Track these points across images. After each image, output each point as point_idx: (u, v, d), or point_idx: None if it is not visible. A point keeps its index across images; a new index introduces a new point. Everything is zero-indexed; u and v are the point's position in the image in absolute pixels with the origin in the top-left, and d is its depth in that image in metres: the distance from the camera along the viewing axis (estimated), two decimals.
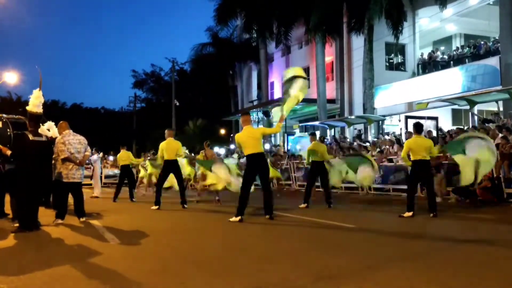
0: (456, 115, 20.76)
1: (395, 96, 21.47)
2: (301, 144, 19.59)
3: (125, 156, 13.35)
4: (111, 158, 24.02)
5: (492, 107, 16.47)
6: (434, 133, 15.91)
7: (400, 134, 18.09)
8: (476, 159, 7.77)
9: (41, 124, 7.37)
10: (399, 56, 24.60)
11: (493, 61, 17.50)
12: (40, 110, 7.02)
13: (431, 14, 21.62)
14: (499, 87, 15.79)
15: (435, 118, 19.18)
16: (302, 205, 9.87)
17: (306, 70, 28.19)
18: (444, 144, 10.85)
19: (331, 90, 24.86)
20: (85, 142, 7.87)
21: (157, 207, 9.81)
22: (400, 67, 24.48)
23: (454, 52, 21.87)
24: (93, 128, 41.14)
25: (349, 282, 3.65)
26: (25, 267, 4.25)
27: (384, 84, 21.92)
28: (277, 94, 30.73)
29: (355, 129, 21.81)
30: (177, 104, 36.89)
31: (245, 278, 3.82)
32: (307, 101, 25.77)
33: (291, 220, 7.81)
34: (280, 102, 9.49)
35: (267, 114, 27.19)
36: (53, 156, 7.60)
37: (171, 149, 10.19)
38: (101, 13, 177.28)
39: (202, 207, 10.51)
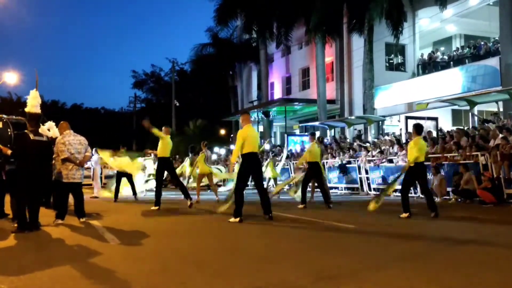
0: (456, 116, 20.75)
1: (395, 96, 21.47)
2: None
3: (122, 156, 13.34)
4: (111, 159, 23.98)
5: (492, 107, 16.48)
6: (434, 134, 15.91)
7: (400, 135, 18.08)
8: None
9: (41, 124, 7.38)
10: (399, 57, 24.61)
11: (493, 62, 17.50)
12: (38, 110, 7.04)
13: (431, 15, 21.63)
14: (499, 88, 15.80)
15: (435, 119, 19.18)
16: (301, 206, 9.90)
17: (306, 70, 28.24)
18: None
19: (331, 91, 24.86)
20: (86, 143, 7.88)
21: (157, 207, 9.81)
22: (400, 67, 24.49)
23: (454, 53, 21.88)
24: (93, 128, 41.14)
25: (349, 283, 3.65)
26: (25, 267, 4.25)
27: (384, 84, 21.93)
28: (277, 94, 30.76)
29: (355, 129, 21.81)
30: (177, 104, 36.94)
31: (245, 278, 3.82)
32: (307, 101, 25.84)
33: (291, 220, 7.81)
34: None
35: (267, 114, 27.21)
36: (53, 156, 7.60)
37: (169, 147, 10.23)
38: (101, 14, 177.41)
39: (202, 207, 10.51)
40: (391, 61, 24.52)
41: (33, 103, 6.99)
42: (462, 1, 20.07)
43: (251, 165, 7.67)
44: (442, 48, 24.16)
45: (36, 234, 6.34)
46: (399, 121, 21.11)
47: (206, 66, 34.29)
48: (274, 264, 4.32)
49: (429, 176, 11.82)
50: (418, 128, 8.34)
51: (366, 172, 14.49)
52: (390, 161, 13.81)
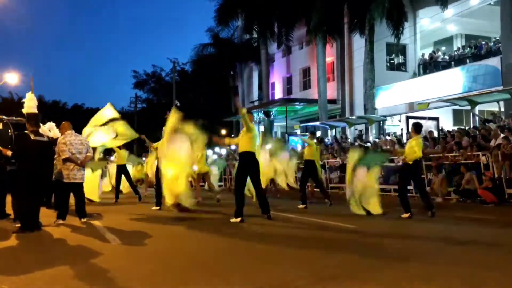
0: (457, 116, 20.73)
1: (396, 96, 21.46)
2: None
3: (123, 155, 13.35)
4: (112, 158, 24.04)
5: (493, 107, 16.46)
6: (435, 134, 15.90)
7: (401, 135, 18.08)
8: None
9: (41, 124, 7.40)
10: (400, 57, 24.60)
11: (494, 62, 17.48)
12: (35, 110, 7.11)
13: (432, 15, 21.61)
14: (500, 88, 15.79)
15: (436, 119, 19.17)
16: (301, 206, 9.90)
17: (307, 70, 28.23)
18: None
19: (332, 91, 24.86)
20: (87, 143, 7.89)
21: (158, 207, 9.81)
22: (401, 67, 24.48)
23: (455, 53, 21.87)
24: None
25: (350, 283, 3.65)
26: (26, 267, 4.26)
27: (385, 84, 21.92)
28: (278, 94, 30.75)
29: (356, 129, 21.80)
30: (178, 104, 36.87)
31: (246, 278, 3.83)
32: (308, 101, 25.84)
33: (291, 220, 7.81)
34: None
35: (268, 114, 27.22)
36: (55, 156, 7.62)
37: None
38: (102, 14, 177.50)
39: (202, 208, 10.51)
40: (392, 61, 24.51)
41: (30, 104, 7.10)
42: (463, 1, 20.05)
43: (248, 165, 7.66)
44: (443, 48, 24.14)
45: (37, 234, 6.35)
46: (400, 121, 21.10)
47: (207, 66, 34.29)
48: (275, 265, 4.32)
49: (430, 176, 11.82)
50: (417, 127, 8.38)
51: None
52: (391, 161, 13.79)
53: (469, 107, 15.79)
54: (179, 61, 56.24)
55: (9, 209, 7.91)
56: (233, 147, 18.02)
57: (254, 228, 6.93)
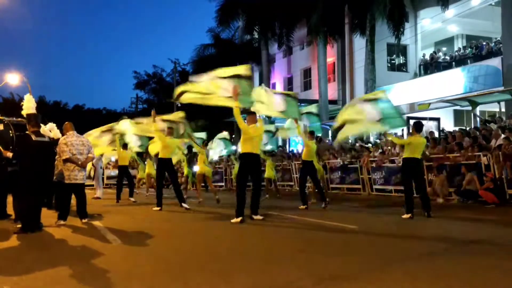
0: (458, 116, 20.74)
1: (397, 97, 21.37)
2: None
3: (124, 155, 13.35)
4: (113, 159, 24.03)
5: (494, 107, 16.46)
6: (436, 134, 15.89)
7: (402, 135, 18.05)
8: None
9: (42, 125, 7.42)
10: (401, 57, 24.60)
11: (495, 62, 17.48)
12: (34, 111, 7.15)
13: (433, 15, 21.62)
14: (501, 88, 15.79)
15: (437, 119, 19.14)
16: (302, 207, 9.87)
17: (308, 71, 28.22)
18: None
19: (333, 91, 24.87)
20: (89, 144, 7.89)
21: (159, 208, 9.80)
22: (402, 68, 24.48)
23: (456, 53, 21.86)
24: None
25: (352, 283, 3.65)
26: (27, 268, 4.26)
27: (386, 85, 21.90)
28: None
29: None
30: (179, 105, 36.89)
31: (247, 279, 3.82)
32: (309, 102, 25.82)
33: (292, 221, 7.80)
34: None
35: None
36: (56, 156, 7.62)
37: (170, 147, 10.23)
38: (102, 14, 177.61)
39: (202, 208, 10.51)
40: (393, 61, 24.51)
41: (29, 105, 7.17)
42: (464, 1, 20.05)
43: (249, 165, 7.70)
44: (444, 49, 24.14)
45: (38, 235, 6.35)
46: None
47: (208, 67, 34.13)
48: (276, 265, 4.32)
49: (431, 176, 11.81)
50: (418, 126, 8.40)
51: (368, 172, 14.46)
52: (392, 161, 13.78)
53: (470, 108, 15.78)
54: (180, 61, 56.34)
55: (10, 209, 7.93)
56: (233, 147, 17.97)
57: (255, 229, 6.93)
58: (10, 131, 8.41)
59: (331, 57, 25.15)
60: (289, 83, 30.56)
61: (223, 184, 21.19)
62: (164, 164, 10.11)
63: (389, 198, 12.71)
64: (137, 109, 50.38)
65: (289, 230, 6.85)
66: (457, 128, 16.75)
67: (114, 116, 57.64)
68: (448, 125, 19.49)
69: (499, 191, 10.05)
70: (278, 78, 31.39)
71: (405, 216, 7.82)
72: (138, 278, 3.85)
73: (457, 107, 18.02)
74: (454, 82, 18.59)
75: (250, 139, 7.74)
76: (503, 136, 10.98)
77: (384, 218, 8.22)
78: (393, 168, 13.43)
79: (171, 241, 5.96)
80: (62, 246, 5.62)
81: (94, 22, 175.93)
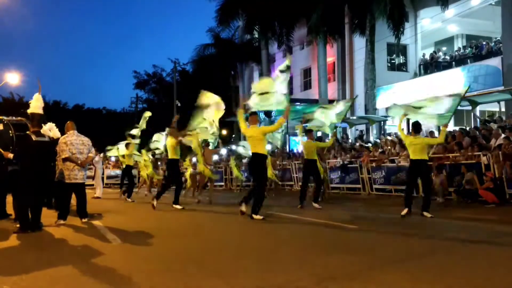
0: (458, 116, 20.71)
1: (397, 96, 21.42)
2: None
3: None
4: (113, 159, 24.05)
5: (494, 107, 16.46)
6: (436, 134, 15.87)
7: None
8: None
9: (42, 125, 7.42)
10: (401, 57, 24.60)
11: (495, 62, 17.49)
12: (41, 111, 7.15)
13: (433, 15, 21.62)
14: (501, 88, 15.80)
15: None
16: (299, 206, 9.91)
17: (308, 70, 28.22)
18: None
19: (332, 91, 24.86)
20: (89, 144, 7.89)
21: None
22: (402, 67, 24.48)
23: (456, 53, 21.86)
24: (94, 129, 41.14)
25: (352, 283, 3.65)
26: (27, 268, 4.26)
27: (385, 84, 21.93)
28: None
29: (357, 129, 21.80)
30: (179, 104, 36.91)
31: (247, 279, 3.82)
32: (309, 101, 25.83)
33: (292, 221, 7.81)
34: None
35: (268, 114, 27.18)
36: (56, 156, 7.63)
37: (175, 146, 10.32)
38: (103, 14, 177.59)
39: (202, 208, 10.52)
40: (392, 61, 24.51)
41: (36, 104, 7.14)
42: (464, 1, 20.06)
43: (249, 165, 7.80)
44: (444, 48, 24.14)
45: (38, 235, 6.35)
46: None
47: (208, 66, 34.28)
48: (277, 264, 4.32)
49: (431, 176, 11.81)
50: (417, 127, 8.44)
51: (368, 172, 14.47)
52: (392, 161, 13.79)
53: (470, 108, 15.78)
54: (180, 61, 56.32)
55: (9, 209, 7.93)
56: (233, 147, 17.98)
57: (255, 228, 6.93)
58: (10, 131, 8.40)
59: (331, 56, 25.15)
60: (289, 82, 30.54)
61: (223, 184, 21.19)
62: (172, 164, 10.40)
63: (389, 198, 12.71)
64: (137, 109, 50.38)
65: (289, 230, 6.85)
66: (457, 128, 16.75)
67: (114, 116, 57.81)
68: (448, 124, 19.46)
69: (499, 190, 10.05)
70: None
71: (403, 212, 7.89)
72: (138, 278, 3.85)
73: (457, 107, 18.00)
74: (454, 82, 18.58)
75: (249, 139, 7.82)
76: (503, 135, 10.98)
77: (384, 217, 8.22)
78: (393, 168, 13.44)
79: (171, 241, 5.96)
80: (62, 246, 5.62)
81: (94, 21, 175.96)
